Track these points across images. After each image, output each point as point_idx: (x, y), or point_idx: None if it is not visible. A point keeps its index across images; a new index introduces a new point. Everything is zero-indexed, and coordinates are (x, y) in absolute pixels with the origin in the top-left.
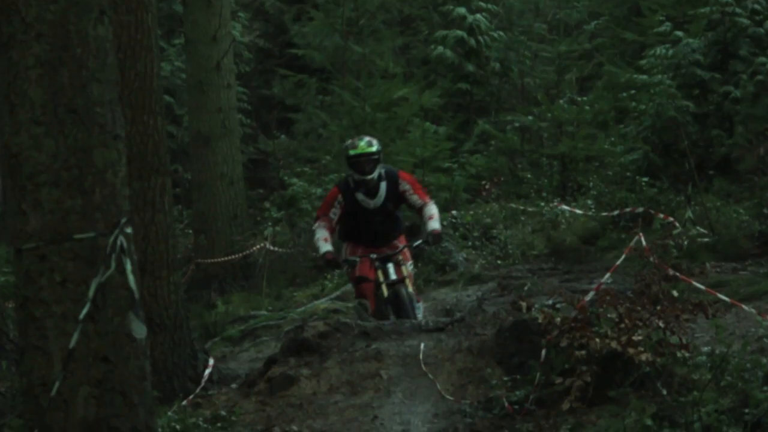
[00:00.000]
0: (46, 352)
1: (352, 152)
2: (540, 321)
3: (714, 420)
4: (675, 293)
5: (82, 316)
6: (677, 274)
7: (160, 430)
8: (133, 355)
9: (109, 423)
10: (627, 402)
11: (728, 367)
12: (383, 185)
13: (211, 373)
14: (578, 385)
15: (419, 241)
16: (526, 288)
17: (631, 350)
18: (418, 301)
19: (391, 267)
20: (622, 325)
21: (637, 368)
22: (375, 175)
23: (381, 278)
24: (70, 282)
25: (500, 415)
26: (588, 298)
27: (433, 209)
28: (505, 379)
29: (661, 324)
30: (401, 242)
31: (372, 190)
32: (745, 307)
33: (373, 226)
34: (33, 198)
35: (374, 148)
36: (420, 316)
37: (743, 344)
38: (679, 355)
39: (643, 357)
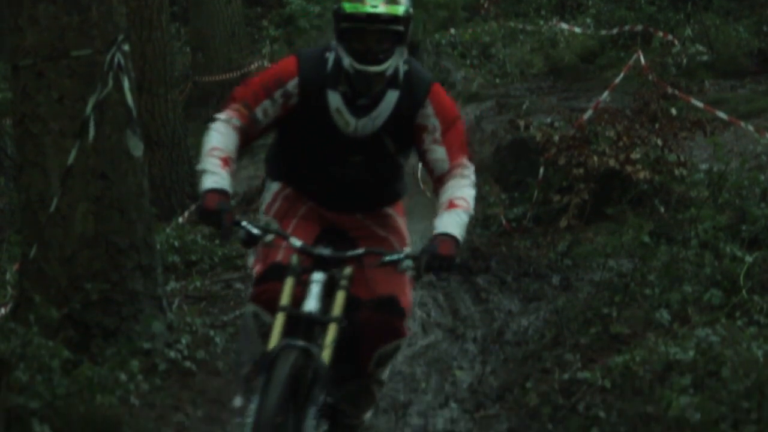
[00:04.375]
0: (43, 168)
1: (348, 7)
2: (538, 139)
3: (711, 236)
4: (673, 111)
5: (79, 133)
6: (676, 92)
7: (158, 246)
8: (131, 172)
9: (108, 239)
10: (624, 219)
11: (726, 184)
12: (393, 96)
13: None
14: (576, 203)
15: (399, 257)
16: (524, 106)
17: (629, 168)
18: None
19: (319, 281)
20: (621, 143)
21: (635, 186)
22: (388, 67)
23: (284, 300)
24: (67, 99)
25: (498, 233)
26: (586, 116)
27: (463, 187)
28: (503, 196)
29: (659, 142)
30: (394, 221)
31: (367, 98)
32: (743, 124)
33: (342, 171)
34: (29, 14)
35: (400, 9)
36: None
37: (741, 161)
38: (676, 172)
39: (641, 175)
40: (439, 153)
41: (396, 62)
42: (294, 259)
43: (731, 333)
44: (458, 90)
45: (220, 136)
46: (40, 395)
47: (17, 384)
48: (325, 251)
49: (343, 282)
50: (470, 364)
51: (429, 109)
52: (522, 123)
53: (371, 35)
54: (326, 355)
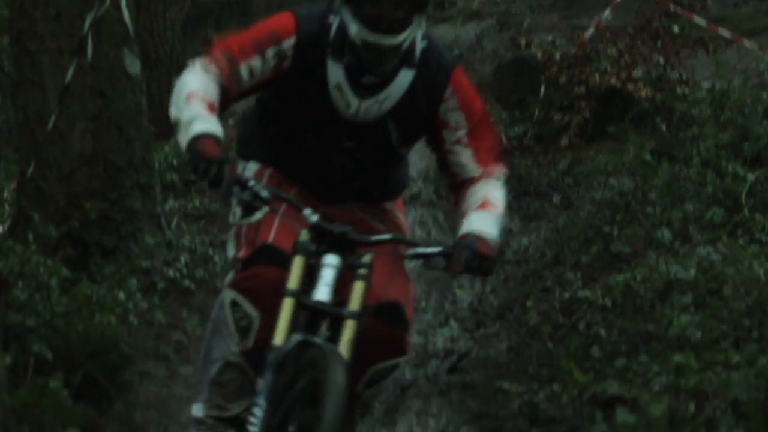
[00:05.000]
0: (41, 86)
1: None
2: (539, 57)
3: (713, 155)
4: (675, 29)
5: (77, 51)
6: (678, 9)
7: (156, 164)
8: (129, 90)
9: (106, 157)
10: (626, 138)
11: (728, 102)
12: (406, 77)
13: None
14: (577, 121)
15: (432, 250)
16: (525, 24)
17: (630, 86)
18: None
19: (333, 265)
20: (622, 61)
21: (637, 104)
22: (405, 39)
23: (292, 283)
24: (64, 16)
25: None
26: (588, 34)
27: (496, 189)
28: (504, 115)
29: (661, 60)
30: (394, 217)
31: (375, 76)
32: (746, 42)
33: (334, 158)
34: None
35: None
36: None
37: (744, 79)
38: (678, 90)
39: (643, 93)
40: (463, 156)
41: (413, 34)
42: (304, 235)
43: (732, 251)
44: (458, 8)
45: (198, 81)
46: (39, 313)
47: (15, 302)
48: (347, 229)
49: (363, 270)
50: (470, 284)
51: (451, 102)
52: (523, 41)
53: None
54: (343, 351)
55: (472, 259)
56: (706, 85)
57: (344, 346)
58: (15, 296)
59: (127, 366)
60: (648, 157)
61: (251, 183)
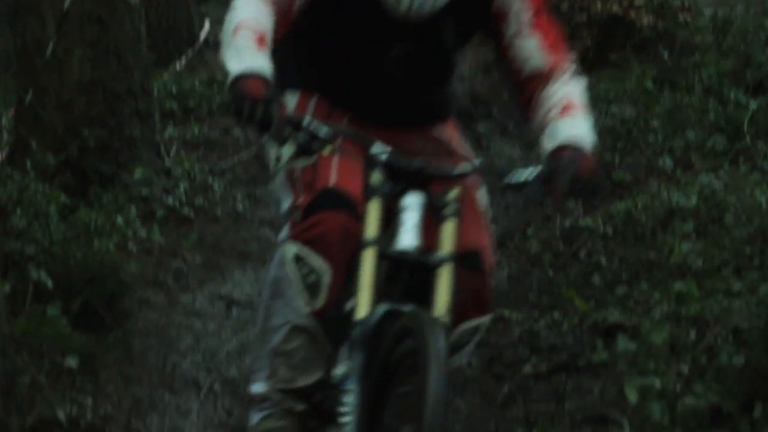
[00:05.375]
0: (39, 13)
1: None
2: None
3: (715, 82)
4: None
5: None
6: None
7: (155, 92)
8: (127, 17)
9: (105, 85)
10: (627, 65)
11: (730, 29)
12: None
13: (207, 36)
14: (579, 49)
15: (527, 176)
16: None
17: (632, 13)
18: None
19: (416, 205)
20: None
21: (639, 31)
22: None
23: (371, 231)
24: None
25: (499, 78)
26: None
27: (577, 89)
28: None
29: None
30: (456, 145)
31: None
32: None
33: (380, 68)
34: None
35: None
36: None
37: (746, 6)
38: (680, 17)
39: (645, 20)
40: (527, 47)
41: None
42: (377, 175)
43: (734, 179)
44: None
45: (249, 8)
46: (37, 241)
47: (14, 229)
48: (426, 163)
49: (451, 207)
50: None
51: None
52: None
53: None
54: (442, 317)
55: (576, 183)
56: (708, 12)
57: (441, 300)
58: (13, 223)
59: (126, 293)
60: (650, 85)
61: (306, 122)
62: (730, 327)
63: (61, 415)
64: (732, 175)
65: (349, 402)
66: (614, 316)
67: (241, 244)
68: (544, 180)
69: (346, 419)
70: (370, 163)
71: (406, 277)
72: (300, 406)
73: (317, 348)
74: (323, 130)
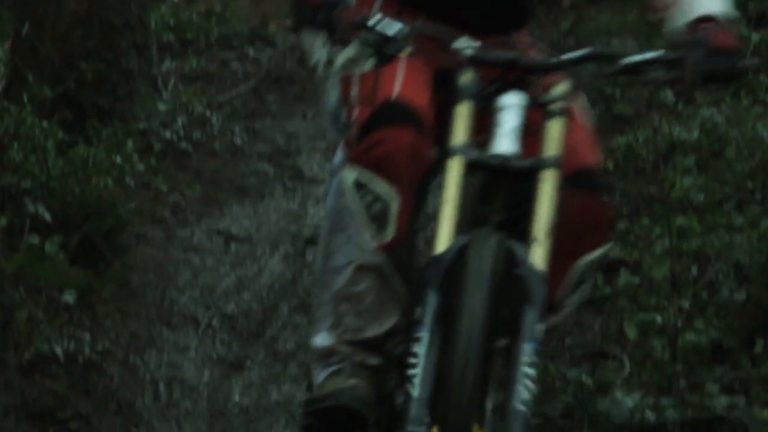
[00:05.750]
0: None
1: None
2: None
3: None
4: None
5: None
6: None
7: (153, 24)
8: None
9: (101, 17)
10: None
11: None
12: None
13: None
14: None
15: (648, 57)
16: None
17: None
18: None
19: (515, 106)
20: None
21: None
22: None
23: (459, 138)
24: None
25: None
26: None
27: None
28: None
29: None
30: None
31: None
32: None
33: None
34: None
35: None
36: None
37: None
38: None
39: None
40: None
41: None
42: (467, 74)
43: (736, 113)
44: None
45: None
46: (34, 175)
47: (11, 164)
48: (517, 55)
49: (558, 105)
50: None
51: None
52: None
53: None
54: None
55: (709, 60)
56: None
57: (542, 214)
58: (10, 158)
59: (123, 228)
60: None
61: (373, 21)
62: (732, 262)
63: (58, 350)
64: (734, 109)
65: (419, 353)
66: (615, 251)
67: (239, 178)
68: (670, 61)
69: (413, 371)
70: (452, 63)
71: (503, 196)
72: (374, 360)
73: (389, 289)
74: (395, 28)
